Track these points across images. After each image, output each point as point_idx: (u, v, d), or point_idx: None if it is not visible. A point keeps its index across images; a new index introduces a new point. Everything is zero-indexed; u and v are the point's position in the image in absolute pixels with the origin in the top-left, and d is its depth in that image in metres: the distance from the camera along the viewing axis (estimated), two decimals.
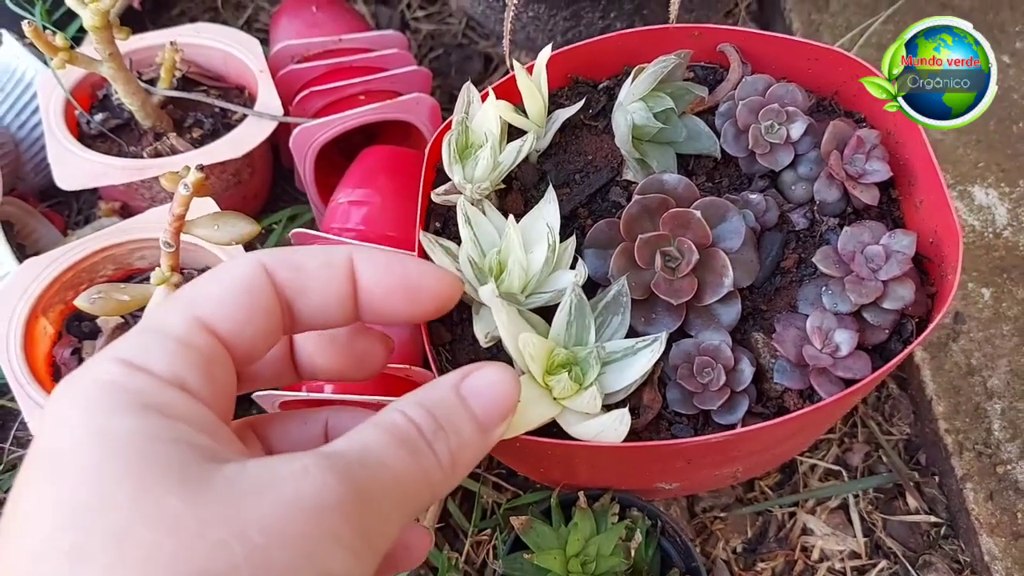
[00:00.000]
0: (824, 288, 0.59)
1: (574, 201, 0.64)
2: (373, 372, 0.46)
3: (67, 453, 0.31)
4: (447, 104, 1.02)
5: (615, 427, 0.53)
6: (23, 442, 0.86)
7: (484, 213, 0.60)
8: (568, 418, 0.55)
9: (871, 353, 0.58)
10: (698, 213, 0.57)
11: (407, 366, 0.74)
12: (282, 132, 0.91)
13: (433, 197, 0.61)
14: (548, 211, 0.59)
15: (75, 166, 0.83)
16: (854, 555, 0.81)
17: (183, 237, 0.67)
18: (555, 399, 0.55)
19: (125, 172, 0.82)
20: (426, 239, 0.58)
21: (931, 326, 0.55)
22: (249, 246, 0.83)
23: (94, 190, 0.99)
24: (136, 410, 0.32)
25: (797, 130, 0.62)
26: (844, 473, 0.84)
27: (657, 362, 0.57)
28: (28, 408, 0.70)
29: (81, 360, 0.78)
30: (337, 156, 0.94)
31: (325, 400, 0.74)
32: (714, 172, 0.65)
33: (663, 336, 0.55)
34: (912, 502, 0.83)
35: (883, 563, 0.80)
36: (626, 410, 0.53)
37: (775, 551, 0.81)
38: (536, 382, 0.54)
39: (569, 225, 0.64)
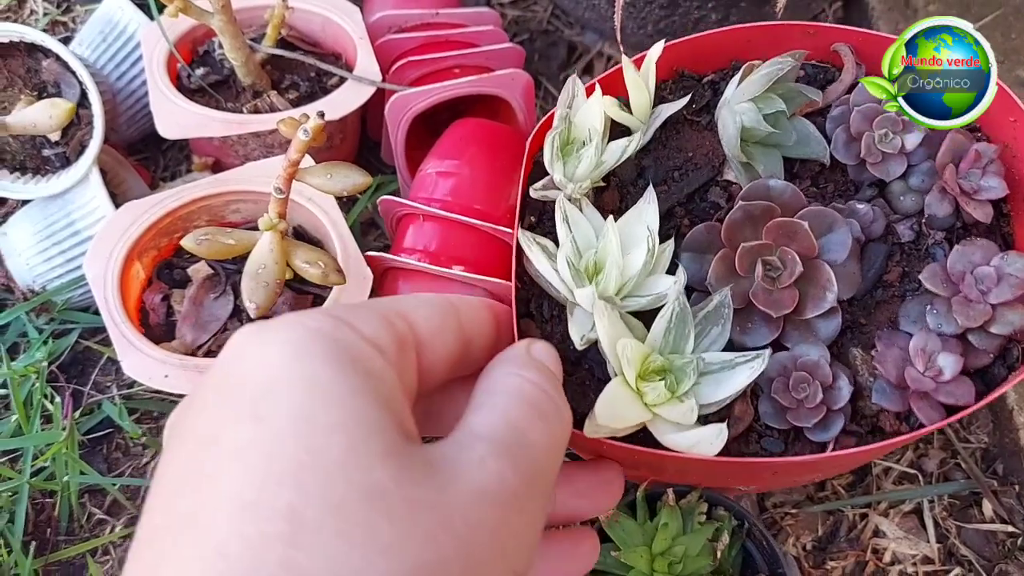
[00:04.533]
0: (929, 307, 0.57)
1: (672, 200, 0.63)
2: None
3: (276, 396, 0.31)
4: None
5: (711, 441, 0.52)
6: (102, 387, 0.87)
7: (582, 211, 0.59)
8: (660, 426, 0.54)
9: (973, 377, 0.56)
10: (805, 224, 0.56)
11: None
12: (372, 104, 0.91)
13: (532, 193, 0.60)
14: (648, 212, 0.58)
15: (176, 116, 0.84)
16: (927, 560, 0.80)
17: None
18: (646, 405, 0.54)
19: (225, 125, 0.83)
20: (524, 237, 0.57)
21: None
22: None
23: (183, 148, 1.00)
24: (345, 362, 0.33)
25: (912, 141, 0.60)
26: (920, 478, 0.83)
27: (750, 382, 0.56)
28: (122, 347, 0.72)
29: (170, 307, 0.80)
30: (424, 132, 0.94)
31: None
32: (819, 176, 0.64)
33: (766, 354, 0.54)
34: (988, 511, 0.81)
35: (957, 570, 0.79)
36: (724, 425, 0.52)
37: (846, 551, 0.81)
38: (628, 386, 0.54)
39: (666, 224, 0.62)
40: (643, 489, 0.69)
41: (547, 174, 0.60)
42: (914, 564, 0.80)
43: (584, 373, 0.60)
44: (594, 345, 0.58)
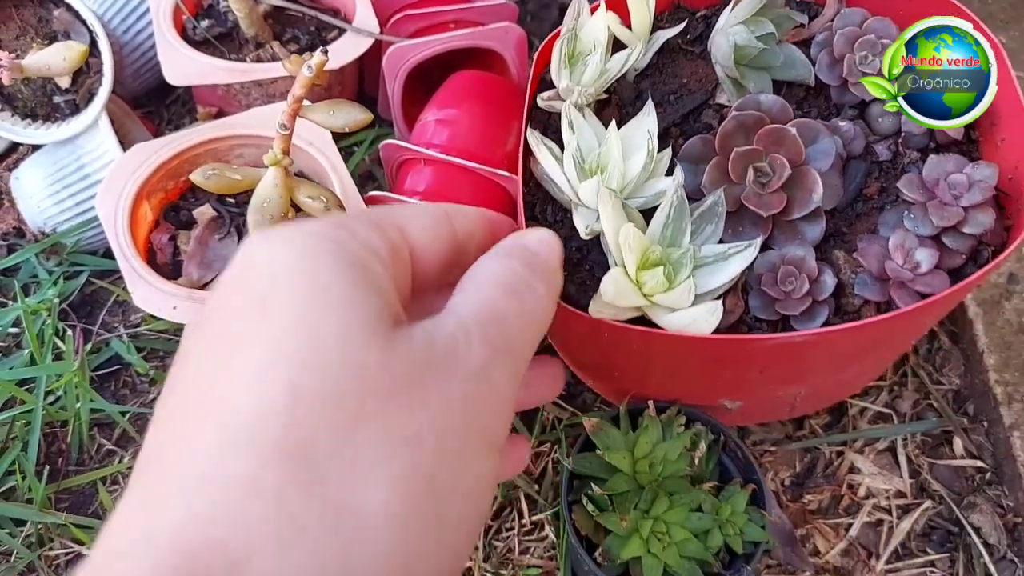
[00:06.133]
0: (906, 213, 0.62)
1: (667, 120, 0.67)
2: None
3: (280, 288, 0.35)
4: None
5: (707, 318, 0.56)
6: (110, 327, 0.90)
7: (585, 119, 0.63)
8: (658, 312, 0.58)
9: (948, 275, 0.61)
10: (793, 130, 0.60)
11: None
12: (369, 59, 0.94)
13: (539, 101, 0.64)
14: (648, 121, 0.63)
15: (183, 64, 0.87)
16: (900, 494, 0.83)
17: None
18: (644, 295, 0.58)
19: (230, 73, 0.86)
20: (532, 137, 0.61)
21: (1011, 247, 0.58)
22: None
23: (186, 102, 1.03)
24: (342, 259, 0.36)
25: None
26: (894, 417, 0.87)
27: (742, 270, 0.60)
28: (132, 280, 0.74)
29: (176, 248, 0.82)
30: (420, 89, 0.97)
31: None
32: (804, 101, 0.68)
33: (756, 242, 0.58)
34: (959, 448, 0.85)
35: (928, 503, 0.82)
36: (719, 302, 0.56)
37: (822, 486, 0.84)
38: (628, 277, 0.57)
39: (662, 143, 0.66)
40: (625, 403, 0.73)
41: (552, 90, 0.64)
42: (887, 498, 0.83)
43: (585, 273, 0.63)
44: (596, 244, 0.62)
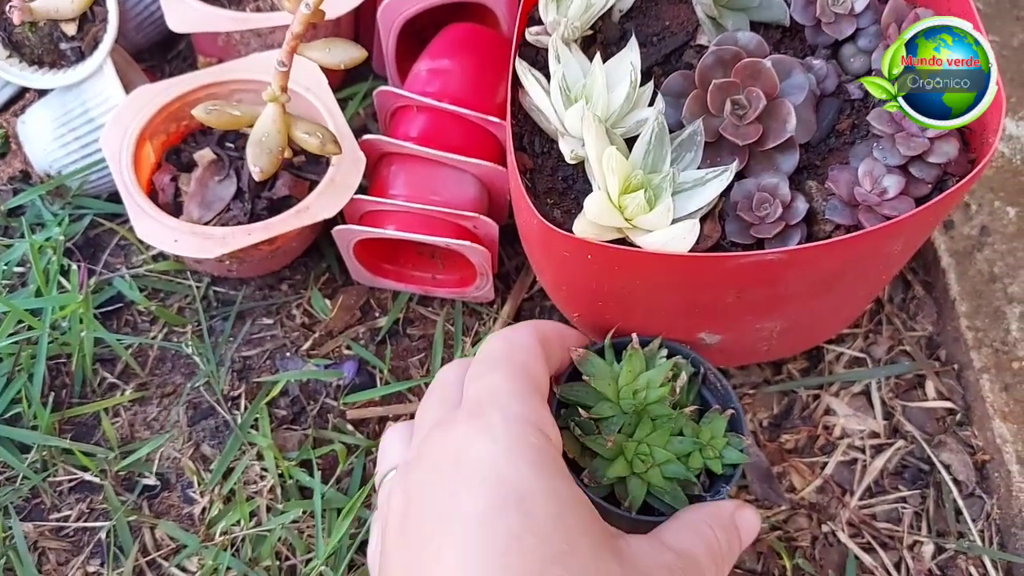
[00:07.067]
0: (876, 144, 0.65)
1: (650, 60, 0.70)
2: None
3: (536, 505, 0.46)
4: None
5: (683, 236, 0.59)
6: (113, 268, 0.92)
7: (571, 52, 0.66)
8: (638, 234, 0.61)
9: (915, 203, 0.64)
10: (768, 63, 0.63)
11: (475, 215, 0.81)
12: (364, 15, 0.97)
13: (527, 36, 0.67)
14: (631, 54, 0.66)
15: (186, 12, 0.90)
16: (873, 435, 0.87)
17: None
18: (626, 219, 0.61)
19: (231, 21, 0.89)
20: (521, 67, 0.64)
21: (975, 171, 0.61)
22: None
23: (186, 57, 1.06)
24: (562, 476, 0.50)
25: (861, 2, 0.68)
26: (868, 362, 0.91)
27: (719, 199, 0.63)
28: (136, 214, 0.78)
29: (178, 189, 0.86)
30: (414, 46, 1.00)
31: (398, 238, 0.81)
32: (780, 43, 0.71)
33: (732, 167, 0.61)
34: (930, 390, 0.89)
35: (900, 443, 0.86)
36: (695, 221, 0.59)
37: (799, 427, 0.88)
38: (611, 201, 0.60)
39: (644, 82, 0.70)
40: (610, 337, 0.76)
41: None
42: (862, 438, 0.87)
43: (571, 202, 0.66)
44: (582, 174, 0.65)
